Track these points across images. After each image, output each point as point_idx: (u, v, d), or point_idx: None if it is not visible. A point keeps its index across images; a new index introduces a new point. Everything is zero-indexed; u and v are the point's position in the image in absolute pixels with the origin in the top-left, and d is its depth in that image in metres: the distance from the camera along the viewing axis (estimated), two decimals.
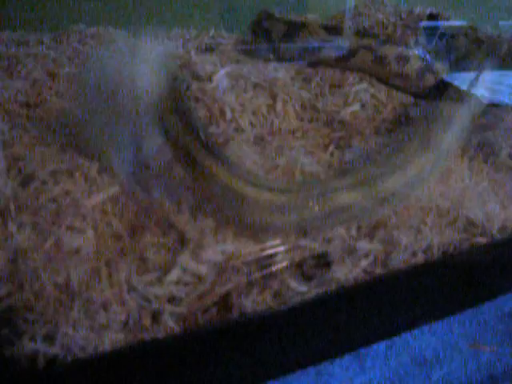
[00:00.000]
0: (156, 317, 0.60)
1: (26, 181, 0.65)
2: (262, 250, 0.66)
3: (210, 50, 1.37)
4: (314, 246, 0.66)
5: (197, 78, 0.97)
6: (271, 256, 0.66)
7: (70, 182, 0.66)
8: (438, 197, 0.78)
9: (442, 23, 1.39)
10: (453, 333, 0.77)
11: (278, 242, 0.67)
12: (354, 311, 0.72)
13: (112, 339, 0.57)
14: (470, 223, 0.78)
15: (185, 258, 0.61)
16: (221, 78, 0.95)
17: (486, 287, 0.83)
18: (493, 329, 0.79)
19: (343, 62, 1.21)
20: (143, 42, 1.08)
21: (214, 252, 0.62)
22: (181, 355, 0.61)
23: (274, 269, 0.65)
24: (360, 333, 0.73)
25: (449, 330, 0.77)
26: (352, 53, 1.19)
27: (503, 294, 0.83)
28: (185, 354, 0.62)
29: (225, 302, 0.65)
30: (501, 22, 2.44)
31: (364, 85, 1.13)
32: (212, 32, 1.44)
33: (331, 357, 0.71)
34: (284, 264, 0.66)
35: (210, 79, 0.96)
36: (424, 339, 0.75)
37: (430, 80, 1.18)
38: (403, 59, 1.16)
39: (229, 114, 0.90)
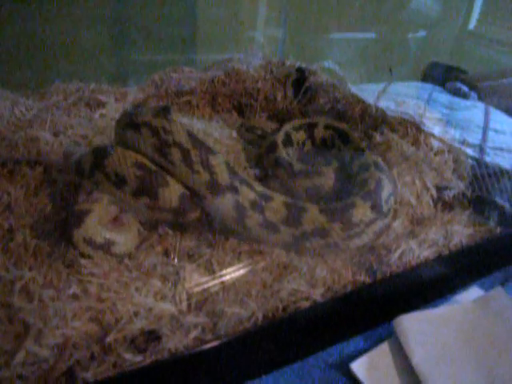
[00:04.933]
0: None
1: None
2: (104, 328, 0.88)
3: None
4: (142, 325, 0.88)
5: None
6: (107, 333, 0.88)
7: None
8: (262, 271, 1.02)
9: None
10: None
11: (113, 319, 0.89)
12: (187, 372, 0.95)
13: None
14: (295, 291, 1.02)
15: (28, 343, 0.82)
16: None
17: (311, 343, 1.07)
18: (315, 379, 1.02)
19: None
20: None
21: (54, 336, 0.83)
22: None
23: (108, 344, 0.87)
24: None
25: (275, 382, 1.00)
26: None
27: (329, 346, 1.08)
28: None
29: (70, 373, 0.86)
30: (409, 35, 2.75)
31: None
32: (93, 85, 1.64)
33: None
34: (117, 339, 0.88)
35: None
36: None
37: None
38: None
39: None
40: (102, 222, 1.03)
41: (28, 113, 1.43)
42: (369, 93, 1.79)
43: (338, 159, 1.29)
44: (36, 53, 1.76)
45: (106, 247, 1.00)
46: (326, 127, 1.43)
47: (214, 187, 1.06)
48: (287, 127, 1.42)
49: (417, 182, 1.23)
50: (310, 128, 1.45)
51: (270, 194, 1.12)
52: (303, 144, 1.43)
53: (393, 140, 1.32)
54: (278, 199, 1.11)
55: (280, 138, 1.36)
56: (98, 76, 1.76)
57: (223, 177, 1.07)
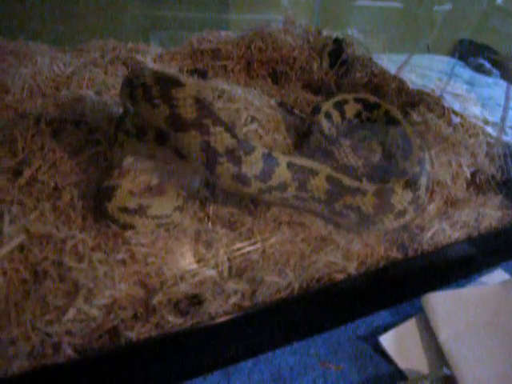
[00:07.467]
0: (56, 347, 0.84)
1: None
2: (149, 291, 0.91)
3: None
4: (187, 289, 0.91)
5: None
6: (152, 296, 0.90)
7: None
8: (301, 242, 1.05)
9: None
10: (308, 353, 1.03)
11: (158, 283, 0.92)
12: (224, 336, 0.98)
13: (19, 366, 0.81)
14: (330, 263, 1.05)
15: (79, 302, 0.84)
16: None
17: (342, 314, 1.10)
18: (344, 349, 1.06)
19: None
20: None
21: (104, 296, 0.86)
22: (76, 374, 0.86)
23: (153, 306, 0.90)
24: (228, 353, 1.00)
25: (306, 350, 1.04)
26: None
27: (358, 318, 1.11)
28: (79, 373, 0.87)
29: (115, 332, 0.89)
30: (435, 7, 2.71)
31: None
32: (129, 44, 1.64)
33: (203, 373, 0.97)
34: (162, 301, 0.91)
35: None
36: (284, 358, 1.02)
37: None
38: None
39: None
40: (134, 191, 1.04)
41: (66, 69, 1.43)
42: (391, 63, 1.78)
43: (381, 135, 1.28)
44: (70, 8, 1.74)
45: (142, 211, 1.00)
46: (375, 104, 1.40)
47: (176, 122, 0.94)
48: (331, 102, 1.39)
49: (453, 163, 1.24)
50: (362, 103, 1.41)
51: (274, 154, 1.06)
52: (344, 118, 1.41)
53: (431, 120, 1.32)
54: (283, 160, 1.07)
55: (323, 113, 1.34)
56: (128, 33, 1.76)
57: (187, 110, 0.94)
